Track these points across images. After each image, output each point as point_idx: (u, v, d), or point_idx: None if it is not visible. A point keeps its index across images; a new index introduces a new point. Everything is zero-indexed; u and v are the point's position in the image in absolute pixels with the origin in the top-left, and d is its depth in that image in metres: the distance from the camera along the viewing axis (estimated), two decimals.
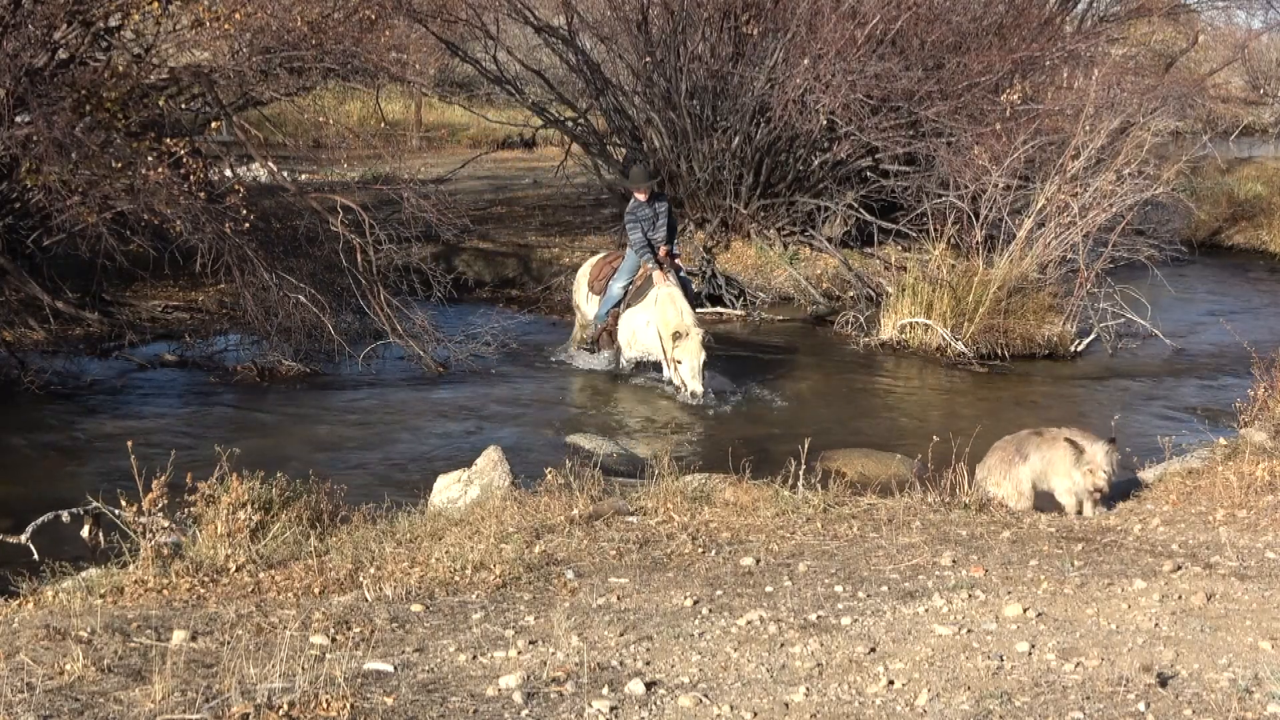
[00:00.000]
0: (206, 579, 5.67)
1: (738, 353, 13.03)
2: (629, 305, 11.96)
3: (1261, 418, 8.81)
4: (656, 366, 11.88)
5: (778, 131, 15.75)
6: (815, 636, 4.69)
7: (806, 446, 7.86)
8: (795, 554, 6.10)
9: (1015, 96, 15.42)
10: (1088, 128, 14.27)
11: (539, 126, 20.14)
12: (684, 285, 11.92)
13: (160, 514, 5.99)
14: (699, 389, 11.13)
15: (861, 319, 14.31)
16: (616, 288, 12.13)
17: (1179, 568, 5.65)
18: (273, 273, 11.79)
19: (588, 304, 12.63)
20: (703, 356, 11.17)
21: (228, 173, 13.06)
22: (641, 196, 11.86)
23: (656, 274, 11.66)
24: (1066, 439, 7.35)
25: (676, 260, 12.15)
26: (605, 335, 12.37)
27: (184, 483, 6.04)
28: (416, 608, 5.17)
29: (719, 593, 5.41)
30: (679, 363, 11.19)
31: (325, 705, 3.84)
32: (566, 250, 16.95)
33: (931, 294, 13.64)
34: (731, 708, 3.97)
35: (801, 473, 7.78)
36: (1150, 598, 5.12)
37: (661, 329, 11.37)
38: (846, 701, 4.03)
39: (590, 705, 3.96)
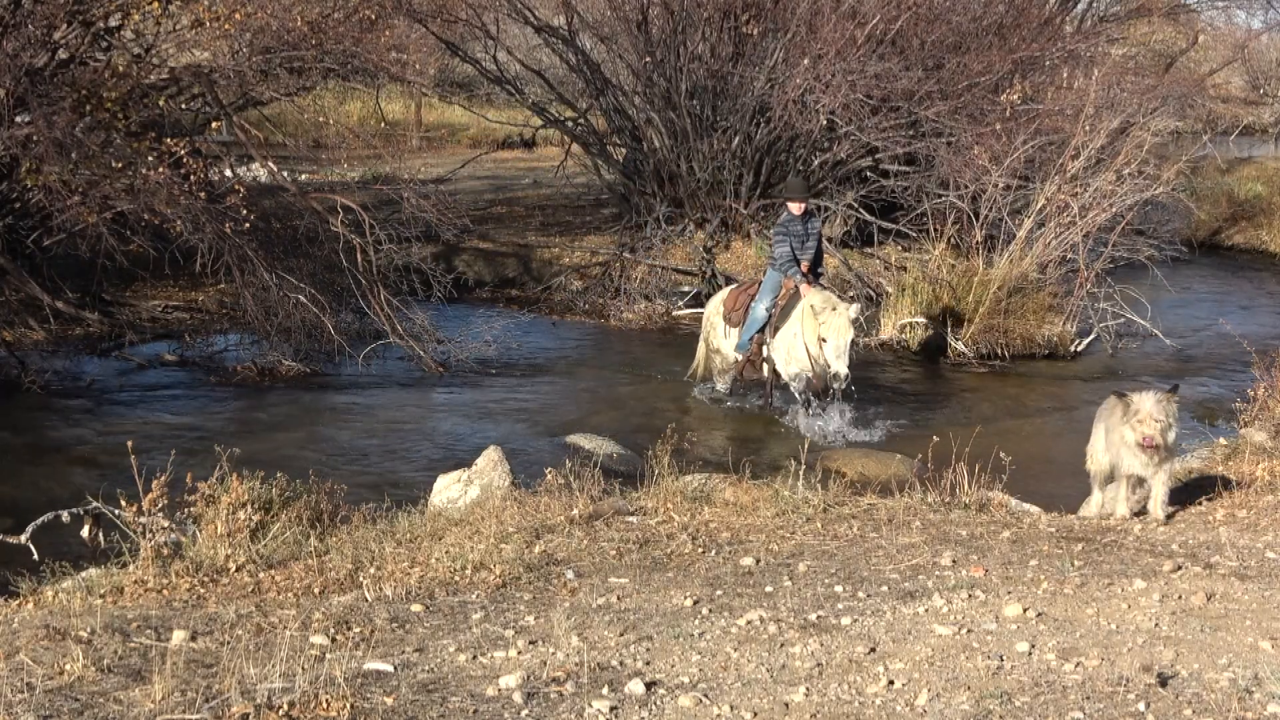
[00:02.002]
0: (206, 579, 5.67)
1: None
2: (776, 327, 10.84)
3: (1261, 418, 8.82)
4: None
5: (778, 131, 15.76)
6: (815, 636, 4.69)
7: (806, 446, 7.87)
8: (795, 554, 6.10)
9: (1015, 96, 15.43)
10: (1088, 128, 14.29)
11: (539, 126, 20.16)
12: None
13: (160, 514, 5.99)
14: (844, 370, 10.13)
15: (862, 319, 14.30)
16: (761, 309, 10.96)
17: (1179, 568, 5.64)
18: (273, 273, 11.80)
19: (727, 339, 11.42)
20: (850, 334, 10.19)
21: (228, 173, 13.08)
22: (796, 210, 10.87)
23: (804, 287, 10.63)
24: (1114, 392, 6.95)
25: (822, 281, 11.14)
26: (749, 365, 11.14)
27: (184, 483, 6.04)
28: (416, 608, 5.17)
29: (719, 593, 5.40)
30: (824, 341, 10.19)
31: (325, 705, 3.84)
32: (566, 250, 16.97)
33: (931, 294, 13.65)
34: (731, 708, 3.97)
35: (801, 473, 7.79)
36: (1150, 598, 5.12)
37: (807, 322, 10.38)
38: (846, 701, 4.03)
39: (590, 705, 3.95)
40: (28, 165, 10.79)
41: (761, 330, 10.93)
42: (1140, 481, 6.87)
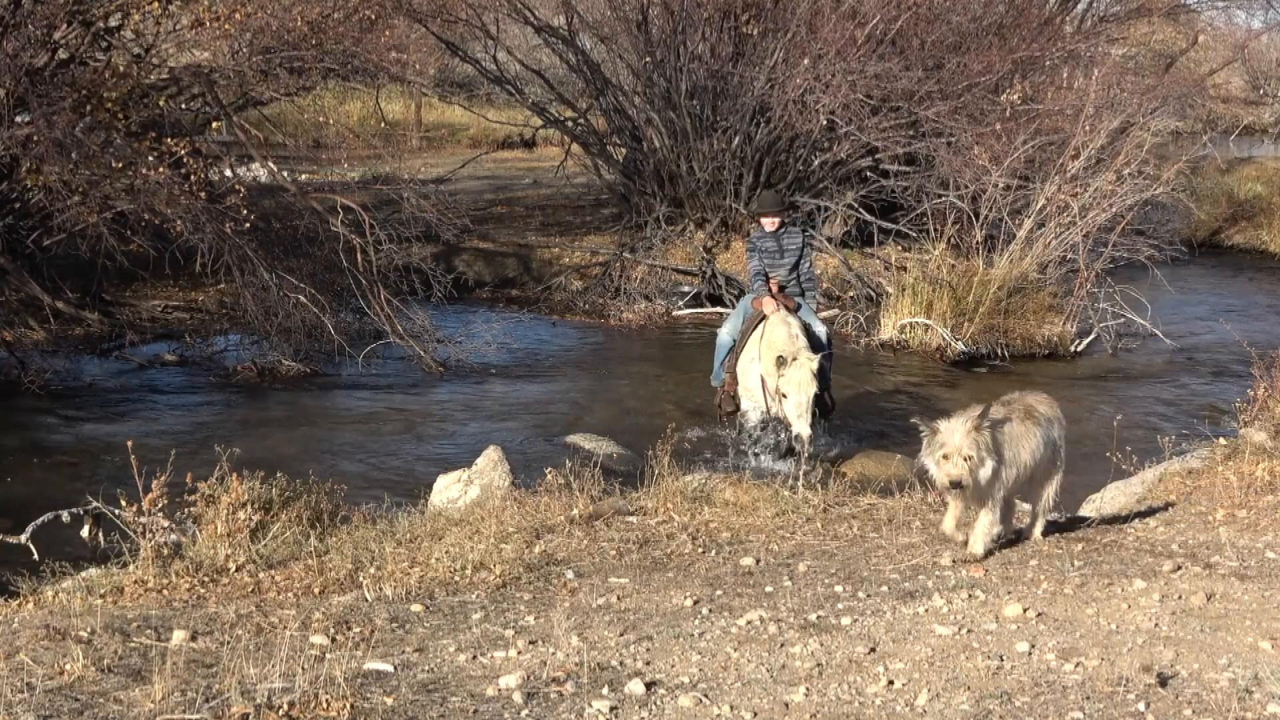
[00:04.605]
0: (206, 579, 5.67)
1: None
2: (738, 351, 9.73)
3: (1261, 418, 8.81)
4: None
5: (778, 131, 15.76)
6: (815, 636, 4.69)
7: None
8: (795, 554, 6.10)
9: (1015, 96, 15.44)
10: (1088, 128, 14.30)
11: (539, 126, 20.17)
12: (806, 329, 9.49)
13: (160, 514, 5.99)
14: (805, 430, 8.87)
15: (862, 319, 14.31)
16: (723, 334, 10.03)
17: (1179, 568, 5.64)
18: (273, 273, 11.81)
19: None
20: (813, 389, 8.92)
21: (228, 173, 13.09)
22: (768, 224, 9.88)
23: (768, 305, 9.51)
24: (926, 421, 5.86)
25: (799, 301, 9.88)
26: (727, 397, 9.90)
27: (184, 483, 6.05)
28: (416, 608, 5.17)
29: (719, 593, 5.41)
30: (784, 396, 8.97)
31: (325, 705, 3.84)
32: (566, 250, 16.98)
33: (931, 294, 13.65)
34: (731, 708, 3.97)
35: (802, 473, 7.79)
36: (1150, 598, 5.12)
37: (765, 358, 9.17)
38: (846, 701, 4.03)
39: (590, 705, 3.95)
40: (28, 165, 10.80)
41: (728, 356, 9.91)
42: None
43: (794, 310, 9.64)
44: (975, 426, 5.62)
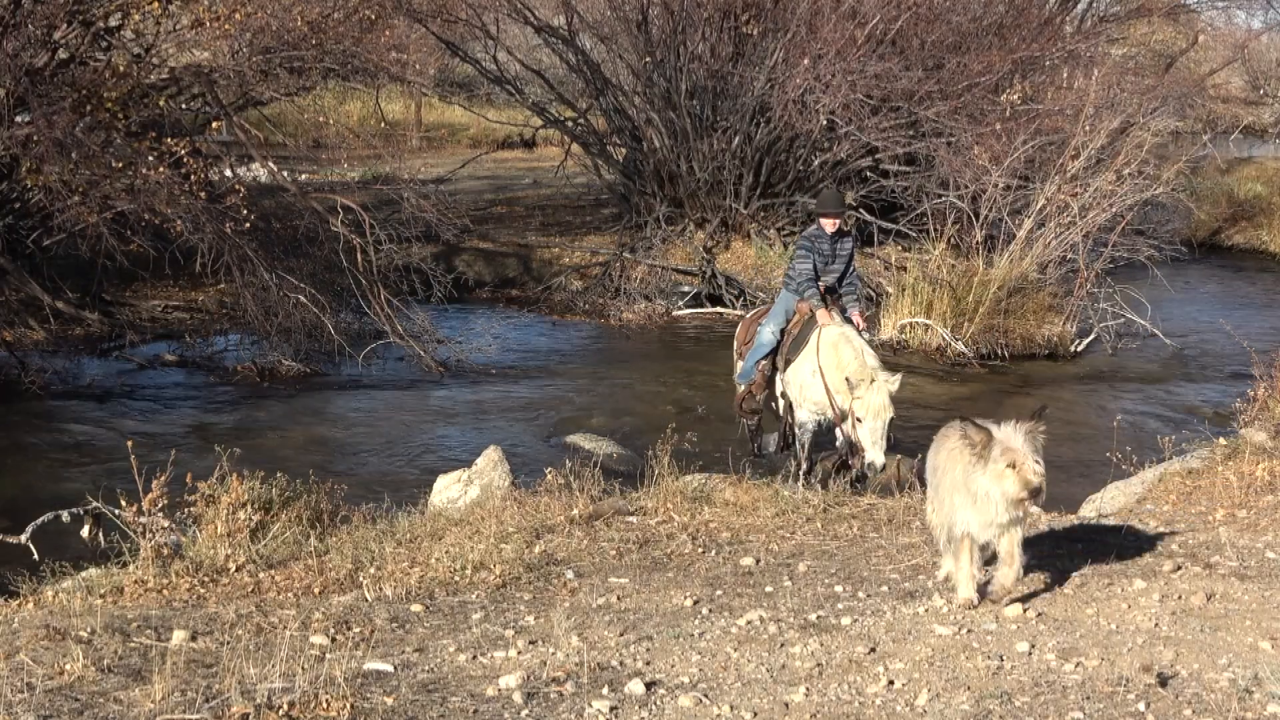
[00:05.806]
0: (206, 579, 5.67)
1: None
2: (788, 357, 9.17)
3: (1261, 418, 8.80)
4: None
5: (778, 131, 15.76)
6: (815, 636, 4.69)
7: (806, 446, 7.87)
8: (795, 554, 6.11)
9: (1015, 96, 15.45)
10: (1088, 128, 14.29)
11: (539, 126, 20.18)
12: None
13: (160, 514, 5.99)
14: (880, 459, 8.27)
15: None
16: (766, 333, 9.42)
17: (1179, 568, 5.64)
18: (273, 273, 11.81)
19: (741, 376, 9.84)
20: (889, 414, 8.31)
21: (228, 173, 13.09)
22: (828, 227, 9.24)
23: (820, 313, 8.96)
24: (963, 420, 5.02)
25: (850, 314, 9.31)
26: (749, 396, 9.57)
27: (184, 483, 6.05)
28: (416, 608, 5.17)
29: (719, 593, 5.41)
30: (859, 420, 8.34)
31: (325, 705, 3.84)
32: (566, 250, 16.99)
33: (931, 294, 13.66)
34: (731, 708, 3.97)
35: (802, 472, 7.79)
36: (1150, 598, 5.12)
37: (831, 377, 8.62)
38: (846, 701, 4.03)
39: (590, 705, 3.95)
40: (28, 165, 10.80)
41: (767, 357, 9.42)
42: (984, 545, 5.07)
43: (843, 312, 9.24)
44: (1033, 430, 4.84)
